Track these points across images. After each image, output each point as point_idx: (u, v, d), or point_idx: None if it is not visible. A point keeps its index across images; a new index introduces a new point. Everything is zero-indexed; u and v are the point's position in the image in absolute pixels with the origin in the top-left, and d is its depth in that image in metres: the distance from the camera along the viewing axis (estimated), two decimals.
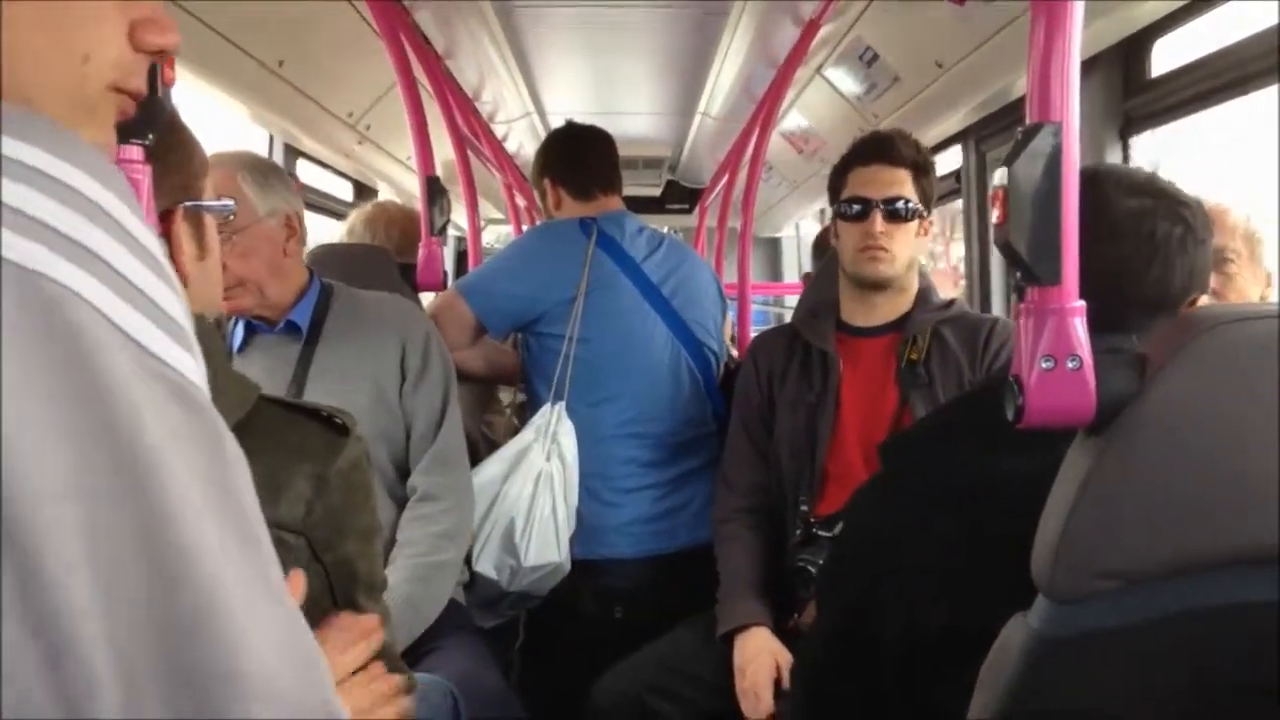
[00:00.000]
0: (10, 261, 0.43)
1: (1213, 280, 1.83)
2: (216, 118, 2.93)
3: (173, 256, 1.08)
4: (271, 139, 3.31)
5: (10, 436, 0.41)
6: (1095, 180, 1.12)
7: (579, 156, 2.54)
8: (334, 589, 1.09)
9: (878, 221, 2.01)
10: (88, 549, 0.42)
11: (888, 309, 2.09)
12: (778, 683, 1.92)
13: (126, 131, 0.93)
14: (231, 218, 1.22)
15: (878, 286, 2.06)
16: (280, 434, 1.08)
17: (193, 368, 0.49)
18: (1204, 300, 1.20)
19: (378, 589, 1.18)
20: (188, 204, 1.12)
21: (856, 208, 2.03)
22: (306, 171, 3.58)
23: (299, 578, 0.96)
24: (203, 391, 0.49)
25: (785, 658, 1.92)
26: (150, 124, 0.93)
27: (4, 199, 0.44)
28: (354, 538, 1.11)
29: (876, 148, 2.07)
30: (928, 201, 2.07)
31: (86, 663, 0.42)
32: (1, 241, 0.43)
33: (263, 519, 0.51)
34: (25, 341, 0.42)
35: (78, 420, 0.43)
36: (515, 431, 2.58)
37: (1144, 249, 1.12)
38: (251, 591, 0.47)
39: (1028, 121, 0.95)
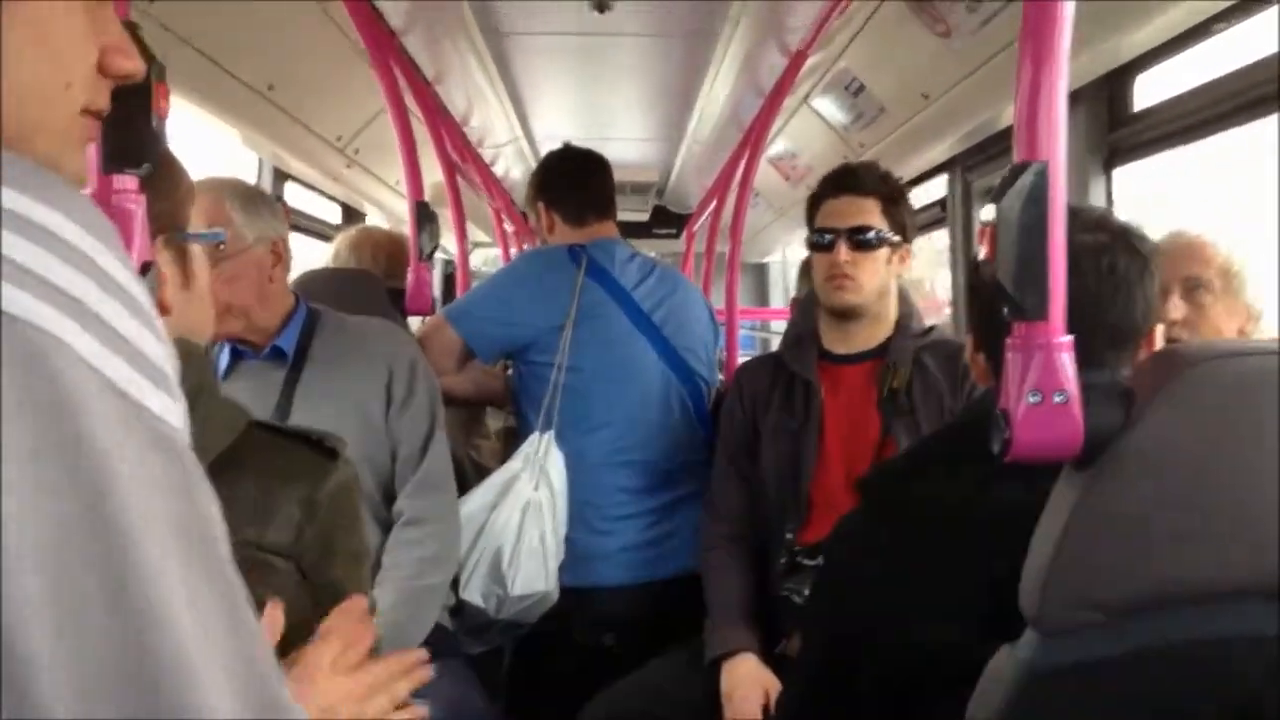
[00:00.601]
0: None
1: (1184, 310, 1.86)
2: (206, 141, 2.93)
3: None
4: (261, 162, 3.31)
5: None
6: None
7: (574, 182, 2.53)
8: (321, 603, 1.08)
9: (842, 251, 2.03)
10: (52, 602, 0.42)
11: (866, 336, 2.11)
12: (765, 709, 1.91)
13: (122, 161, 0.93)
14: (222, 246, 1.23)
15: (848, 315, 2.09)
16: (269, 458, 1.08)
17: (175, 412, 0.49)
18: (1161, 331, 1.22)
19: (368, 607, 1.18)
20: (178, 235, 1.12)
21: (826, 237, 2.06)
22: (295, 195, 3.58)
23: (277, 613, 0.96)
24: (184, 436, 0.50)
25: (773, 685, 1.92)
26: (146, 154, 0.94)
27: None
28: (343, 561, 1.11)
29: (843, 179, 2.11)
30: (902, 229, 2.09)
31: (48, 714, 0.42)
32: None
33: (233, 563, 0.51)
34: (6, 390, 0.42)
35: (50, 473, 0.43)
36: (502, 456, 2.58)
37: (1105, 283, 1.14)
38: (220, 645, 0.47)
39: (1015, 159, 0.96)
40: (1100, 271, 1.13)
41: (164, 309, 1.07)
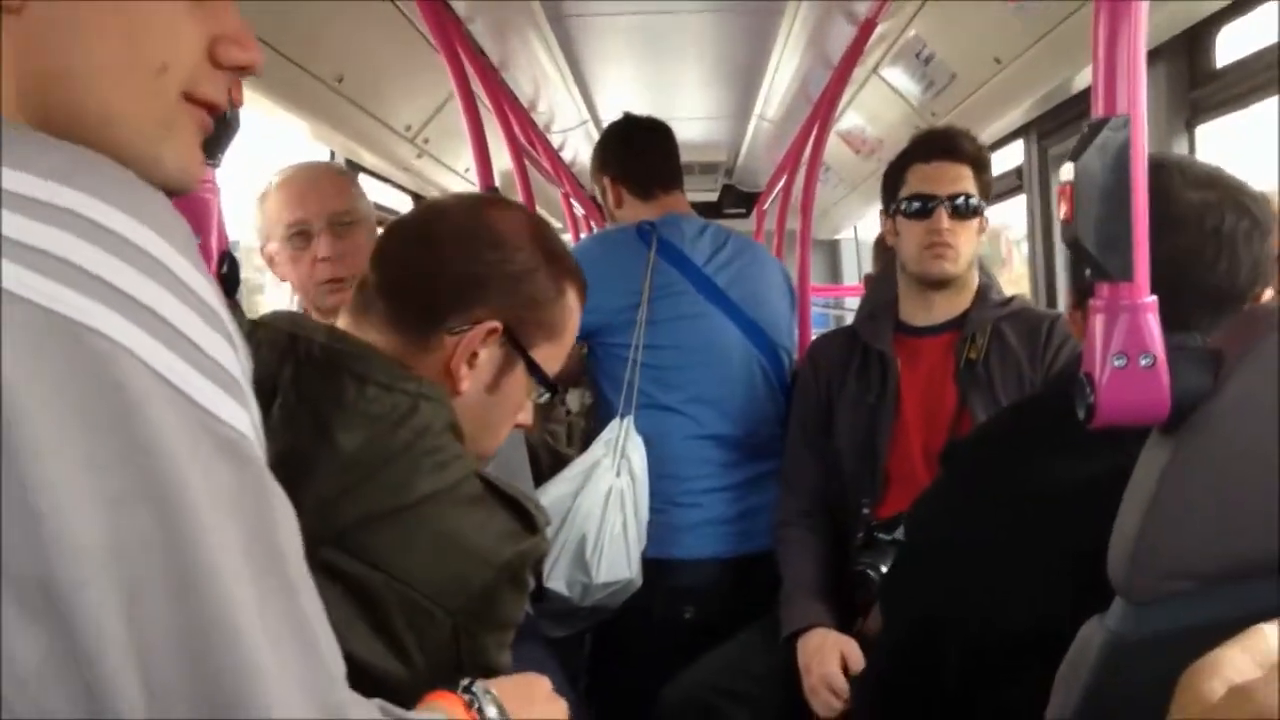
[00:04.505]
0: (56, 314, 0.43)
1: None
2: (280, 137, 2.98)
3: (454, 362, 1.10)
4: (332, 155, 3.36)
5: (53, 498, 0.42)
6: (1157, 171, 1.10)
7: (636, 152, 2.49)
8: (462, 667, 1.07)
9: (943, 218, 1.98)
10: (125, 612, 0.43)
11: (947, 307, 2.07)
12: (845, 673, 1.89)
13: None
14: (540, 398, 1.23)
15: (940, 284, 2.04)
16: (472, 512, 1.07)
17: (243, 419, 0.49)
18: (1271, 295, 1.18)
19: (498, 674, 1.18)
20: (522, 352, 1.14)
21: (919, 204, 2.01)
22: (367, 186, 3.62)
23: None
24: (252, 444, 0.49)
25: (850, 648, 1.90)
26: (219, 144, 0.95)
27: (52, 249, 0.44)
28: (496, 628, 1.10)
29: (939, 143, 2.05)
30: (986, 198, 2.06)
31: None
32: (48, 294, 0.43)
33: (306, 569, 0.51)
34: (70, 399, 0.43)
35: (120, 483, 0.43)
36: (585, 434, 2.57)
37: (1210, 243, 1.10)
38: (287, 651, 0.48)
39: (1093, 115, 0.93)
40: (1204, 230, 1.10)
41: (456, 390, 1.10)
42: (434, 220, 1.17)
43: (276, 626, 0.47)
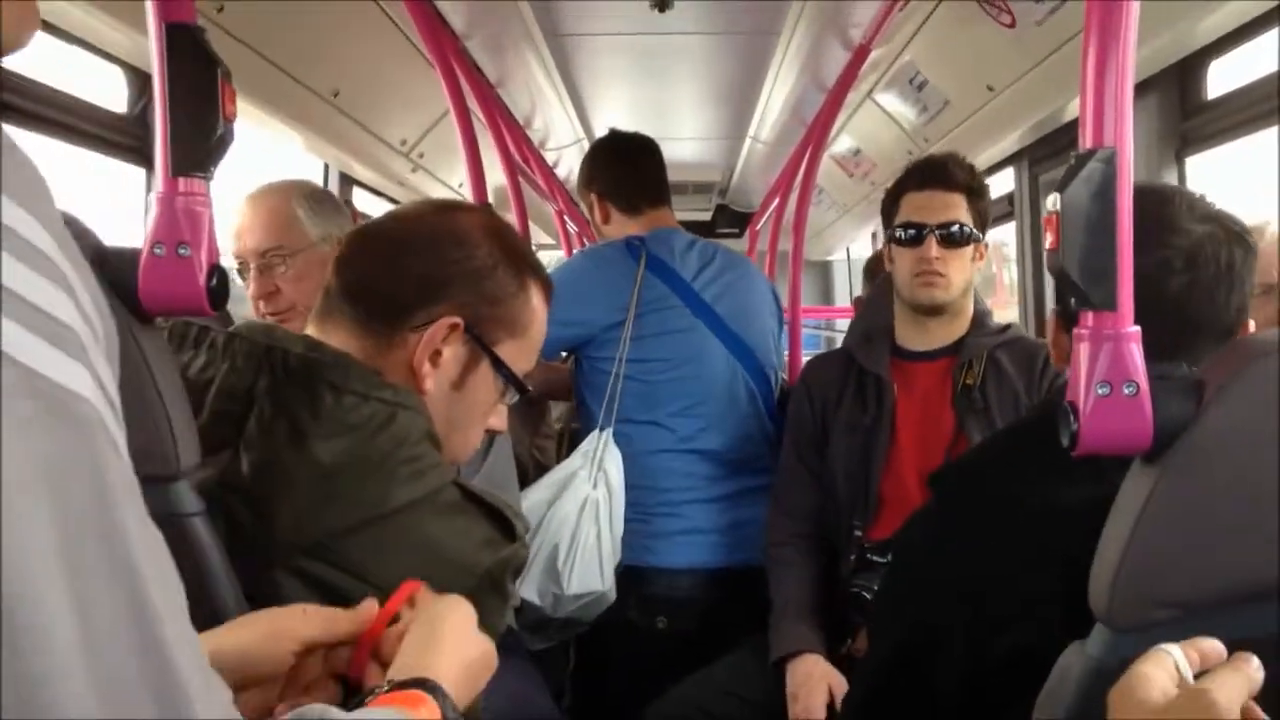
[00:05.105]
0: None
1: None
2: (273, 149, 2.98)
3: (417, 359, 1.10)
4: (327, 168, 3.36)
5: None
6: (1164, 205, 1.11)
7: (624, 169, 2.49)
8: None
9: (933, 246, 1.99)
10: None
11: (943, 333, 2.08)
12: (831, 706, 1.90)
13: (190, 165, 0.95)
14: (511, 399, 1.24)
15: (933, 312, 2.05)
16: (450, 520, 1.08)
17: (82, 378, 0.43)
18: (1253, 326, 1.19)
19: None
20: (479, 339, 1.14)
21: (911, 232, 2.02)
22: (362, 200, 3.63)
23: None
24: (91, 405, 0.43)
25: (838, 681, 1.91)
26: (213, 157, 0.95)
27: None
28: None
29: (931, 172, 2.06)
30: (982, 226, 2.05)
31: None
32: None
33: (153, 551, 0.45)
34: None
35: None
36: (561, 456, 2.57)
37: (1224, 278, 1.11)
38: (109, 645, 0.42)
39: (1081, 146, 0.94)
40: (1219, 265, 1.11)
41: (419, 388, 1.10)
42: (395, 225, 1.19)
43: (100, 614, 0.41)
